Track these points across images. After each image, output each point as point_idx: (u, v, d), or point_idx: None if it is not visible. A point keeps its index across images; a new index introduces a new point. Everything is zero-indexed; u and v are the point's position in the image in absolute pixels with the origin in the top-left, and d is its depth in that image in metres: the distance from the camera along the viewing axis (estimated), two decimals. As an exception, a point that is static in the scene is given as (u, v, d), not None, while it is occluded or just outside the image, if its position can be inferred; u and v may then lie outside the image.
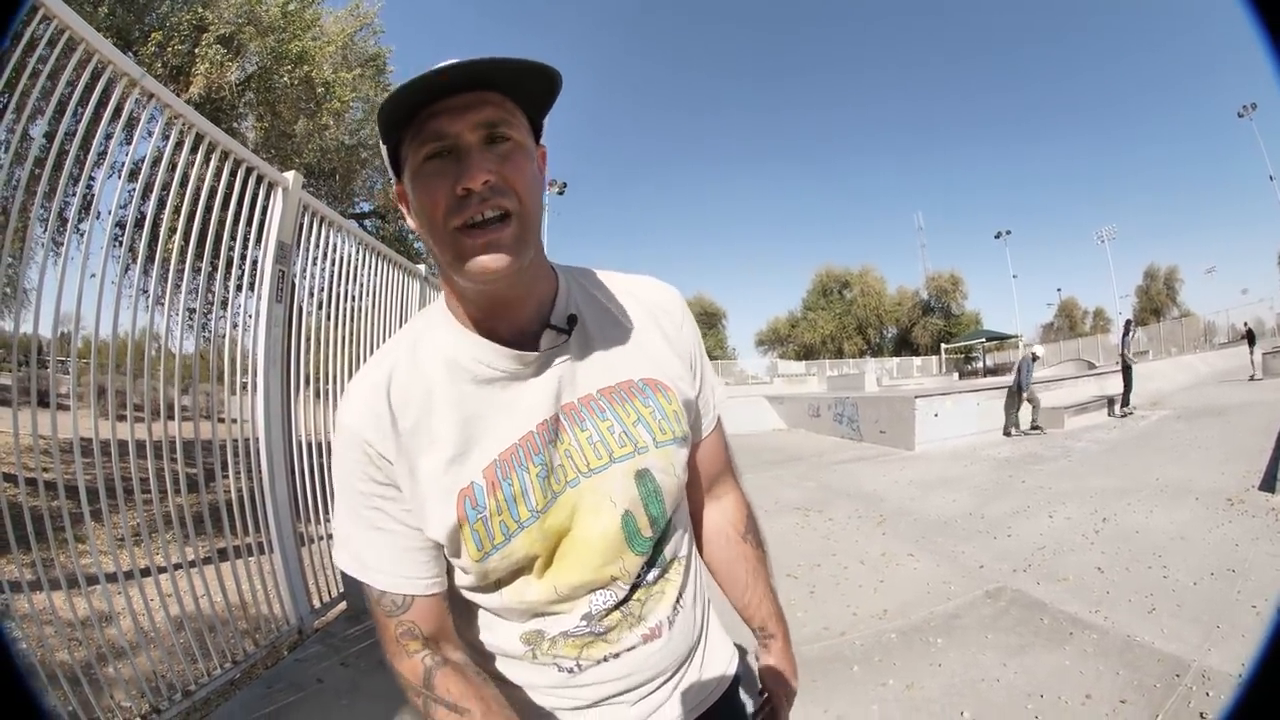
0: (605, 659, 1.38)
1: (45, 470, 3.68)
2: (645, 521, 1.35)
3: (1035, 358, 19.56)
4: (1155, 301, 66.84)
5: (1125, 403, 19.02)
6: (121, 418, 4.58)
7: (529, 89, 1.21)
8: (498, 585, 1.35)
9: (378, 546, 1.31)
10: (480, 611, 1.43)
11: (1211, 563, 5.97)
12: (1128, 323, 21.45)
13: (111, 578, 4.06)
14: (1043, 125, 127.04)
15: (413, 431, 1.28)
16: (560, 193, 45.29)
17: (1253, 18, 0.79)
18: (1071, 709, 3.97)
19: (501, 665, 1.44)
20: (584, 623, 1.35)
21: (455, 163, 1.15)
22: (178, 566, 4.55)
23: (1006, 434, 17.11)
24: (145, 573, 4.35)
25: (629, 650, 1.39)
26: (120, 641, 4.14)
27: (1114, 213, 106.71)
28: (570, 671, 1.37)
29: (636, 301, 1.50)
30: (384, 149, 1.27)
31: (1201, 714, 3.74)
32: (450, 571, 1.38)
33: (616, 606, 1.37)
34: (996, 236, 69.54)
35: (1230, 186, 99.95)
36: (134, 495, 4.18)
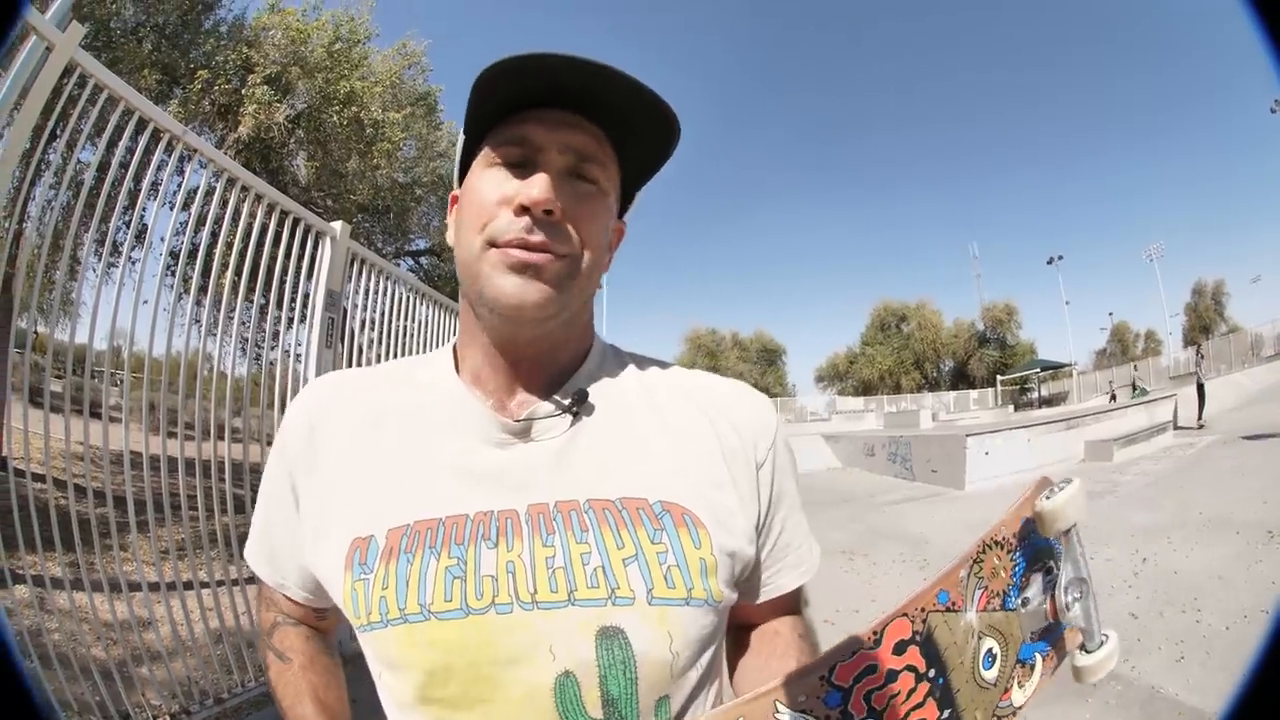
0: None
1: (95, 479, 3.75)
2: (596, 697, 0.90)
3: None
4: (1204, 318, 64.33)
5: (1200, 416, 21.04)
6: (172, 434, 4.58)
7: (639, 138, 1.03)
8: (381, 679, 1.01)
9: (273, 538, 1.14)
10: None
11: (1246, 603, 5.80)
12: (1198, 347, 27.36)
13: (154, 586, 4.14)
14: (1084, 144, 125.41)
15: (335, 454, 1.07)
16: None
17: (1253, 18, 0.76)
18: None
19: None
20: None
21: (524, 174, 0.97)
22: (220, 583, 4.59)
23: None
24: (188, 585, 4.36)
25: None
26: (157, 646, 4.20)
27: (1160, 229, 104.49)
28: None
29: (703, 405, 1.12)
30: (460, 141, 1.08)
31: None
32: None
33: None
34: (1049, 262, 68.08)
35: (1269, 187, 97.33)
36: (180, 510, 4.26)
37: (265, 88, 11.32)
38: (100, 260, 4.00)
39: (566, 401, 1.04)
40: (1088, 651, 1.03)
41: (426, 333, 7.36)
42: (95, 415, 3.82)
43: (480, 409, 1.04)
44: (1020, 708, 1.04)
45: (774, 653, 1.13)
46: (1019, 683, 1.05)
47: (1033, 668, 1.07)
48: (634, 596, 0.91)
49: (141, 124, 3.82)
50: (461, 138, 1.07)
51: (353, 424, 1.08)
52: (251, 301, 4.77)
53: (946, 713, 0.94)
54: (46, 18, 3.20)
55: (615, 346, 1.23)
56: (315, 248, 5.32)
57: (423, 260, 16.53)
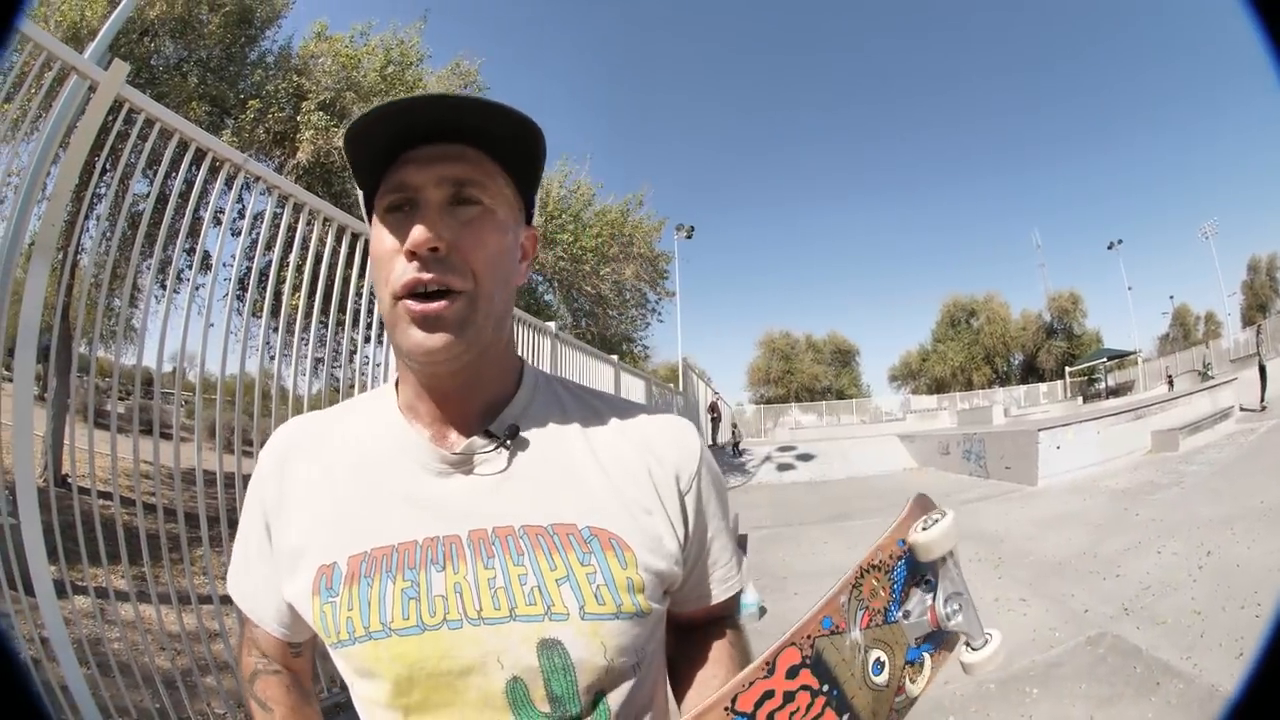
0: None
1: (148, 495, 3.90)
2: (542, 695, 1.04)
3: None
4: (1260, 296, 61.24)
5: (1262, 397, 21.24)
6: (247, 453, 4.46)
7: (511, 149, 1.10)
8: (354, 692, 1.15)
9: (252, 575, 1.25)
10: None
11: None
12: (1258, 327, 26.93)
13: (225, 600, 4.23)
14: (1136, 124, 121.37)
15: (297, 491, 1.18)
16: (688, 237, 43.73)
17: (1253, 18, 0.80)
18: None
19: None
20: None
21: (408, 217, 1.03)
22: None
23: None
24: None
25: None
26: (224, 657, 4.31)
27: (1213, 206, 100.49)
28: None
29: (633, 437, 1.22)
30: (360, 195, 1.16)
31: None
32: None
33: None
34: (1109, 247, 65.72)
35: None
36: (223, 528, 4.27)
37: (320, 113, 11.36)
38: (164, 288, 3.95)
39: (501, 435, 1.12)
40: (973, 649, 1.20)
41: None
42: (165, 436, 3.91)
43: (420, 442, 1.13)
44: (916, 697, 1.25)
45: (704, 667, 1.29)
46: (910, 679, 1.24)
47: (922, 665, 1.26)
48: (568, 613, 1.03)
49: (199, 155, 3.90)
50: (360, 194, 1.15)
51: (314, 462, 1.19)
52: (325, 322, 4.91)
53: (846, 716, 1.12)
54: (85, 57, 3.34)
55: (546, 375, 1.30)
56: None
57: None
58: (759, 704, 1.04)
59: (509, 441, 1.12)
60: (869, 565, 1.21)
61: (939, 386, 65.69)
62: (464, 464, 1.11)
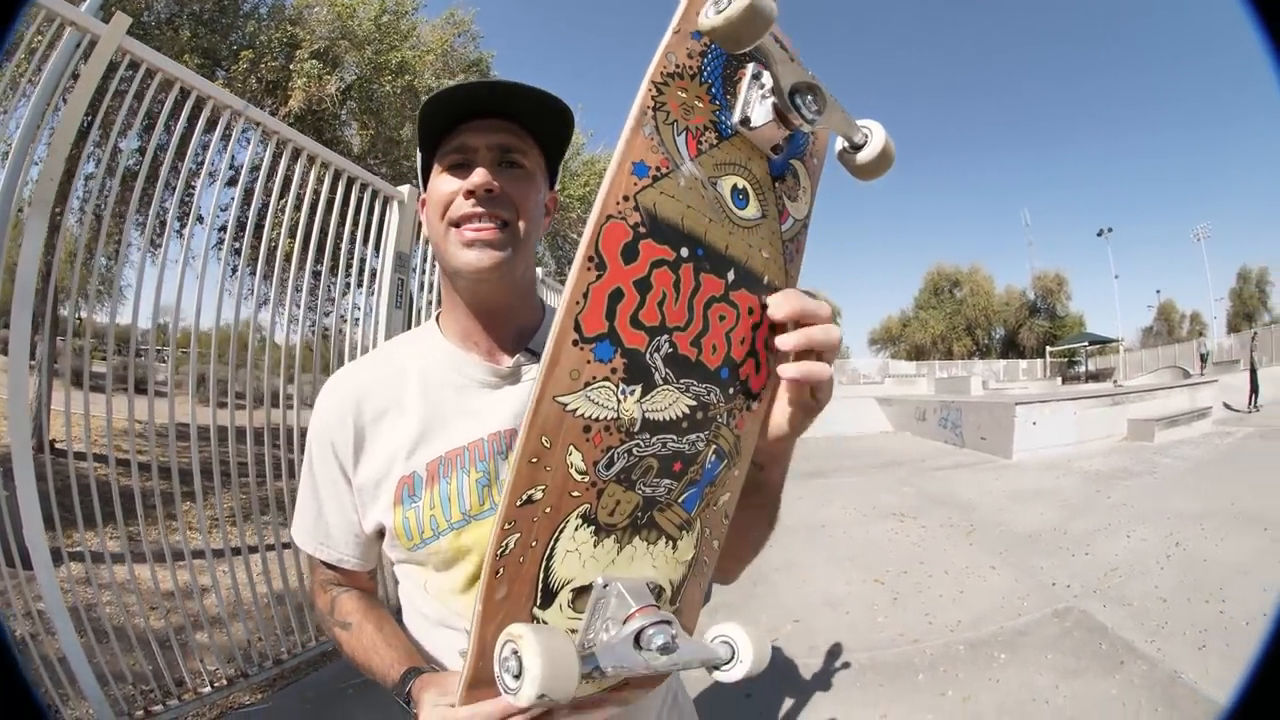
0: None
1: (140, 453, 3.77)
2: None
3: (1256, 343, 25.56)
4: (1247, 305, 62.21)
5: (1254, 397, 22.13)
6: (230, 405, 4.64)
7: (547, 128, 1.32)
8: (427, 588, 1.33)
9: (323, 522, 1.41)
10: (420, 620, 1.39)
11: (1267, 602, 5.85)
12: (1253, 336, 27.30)
13: (217, 554, 4.29)
14: (1141, 116, 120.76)
15: (372, 426, 1.34)
16: None
17: (1253, 18, 0.79)
18: None
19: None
20: None
21: (466, 171, 1.25)
22: (270, 548, 4.68)
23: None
24: (236, 551, 4.44)
25: None
26: (215, 612, 4.35)
27: (1208, 209, 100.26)
28: None
29: None
30: (419, 158, 1.38)
31: None
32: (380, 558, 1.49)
33: None
34: (1099, 234, 65.00)
35: None
36: (231, 479, 4.35)
37: (314, 62, 11.24)
38: (155, 242, 4.00)
39: (539, 350, 1.17)
40: (854, 147, 1.00)
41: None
42: (144, 392, 3.90)
43: (475, 361, 1.35)
44: (805, 218, 1.07)
45: None
46: (788, 198, 1.03)
47: (795, 176, 1.05)
48: None
49: (200, 104, 3.91)
50: (419, 155, 1.38)
51: (380, 398, 1.36)
52: (319, 270, 5.02)
53: (730, 273, 0.95)
54: (82, 9, 3.29)
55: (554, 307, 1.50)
56: (384, 212, 5.51)
57: None
58: (610, 315, 0.84)
59: None
60: (662, 75, 0.86)
61: (918, 353, 65.61)
62: (512, 375, 1.35)
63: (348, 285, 5.37)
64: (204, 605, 4.29)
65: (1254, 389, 22.29)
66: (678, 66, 0.87)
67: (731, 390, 0.99)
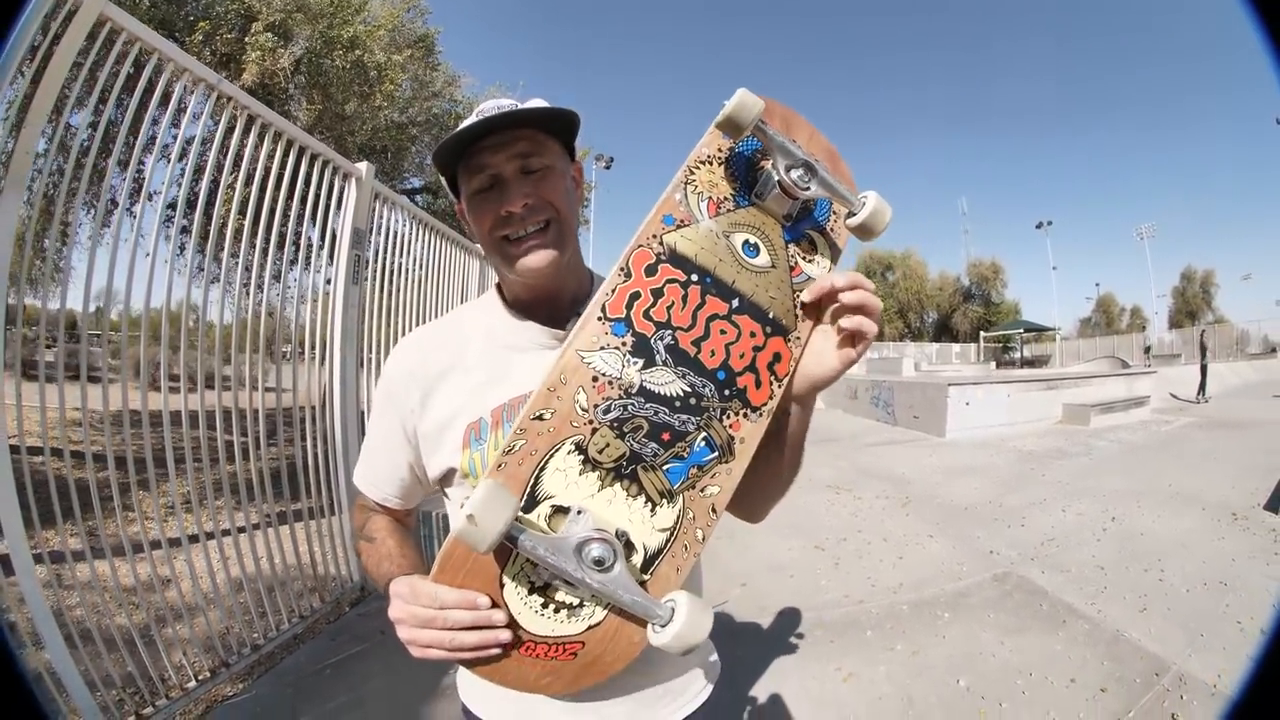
0: None
1: (94, 444, 3.61)
2: None
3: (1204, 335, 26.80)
4: (1191, 304, 64.33)
5: (1202, 390, 22.89)
6: (173, 389, 4.39)
7: (553, 124, 1.40)
8: None
9: (372, 467, 1.57)
10: None
11: (1206, 573, 5.99)
12: (1203, 332, 28.60)
13: (173, 543, 4.27)
14: (1087, 116, 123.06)
15: (439, 380, 1.45)
16: (607, 167, 43.91)
17: (1253, 18, 0.82)
18: (1056, 690, 4.15)
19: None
20: None
21: (498, 192, 1.35)
22: (241, 530, 4.62)
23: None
24: (209, 537, 4.45)
25: None
26: (181, 603, 4.29)
27: (1154, 210, 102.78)
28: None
29: None
30: (444, 180, 1.48)
31: (1174, 715, 3.84)
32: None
33: None
34: (1038, 226, 67.13)
35: (1270, 195, 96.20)
36: (185, 464, 4.13)
37: (269, 35, 11.24)
38: (105, 222, 3.87)
39: None
40: (853, 214, 1.23)
41: (445, 265, 7.71)
42: (91, 380, 3.74)
43: (534, 326, 1.45)
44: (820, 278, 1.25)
45: None
46: (805, 258, 1.28)
47: (813, 243, 1.30)
48: None
49: (161, 73, 3.81)
50: (444, 179, 1.48)
51: (447, 354, 1.47)
52: (280, 248, 4.92)
53: (735, 301, 1.21)
54: None
55: (599, 274, 1.59)
56: (342, 189, 5.52)
57: (418, 199, 16.25)
58: (628, 306, 1.16)
59: None
60: (695, 163, 1.24)
61: (849, 335, 65.63)
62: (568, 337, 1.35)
63: (308, 262, 5.38)
64: (172, 597, 4.25)
65: (1203, 381, 23.00)
66: (708, 157, 1.24)
67: (727, 392, 1.20)
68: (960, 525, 8.16)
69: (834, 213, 1.32)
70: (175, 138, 4.18)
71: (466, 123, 1.31)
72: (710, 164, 1.24)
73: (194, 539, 4.37)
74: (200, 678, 4.10)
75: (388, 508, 1.60)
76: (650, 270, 1.17)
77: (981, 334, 56.20)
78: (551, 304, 1.47)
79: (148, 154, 4.01)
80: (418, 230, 6.99)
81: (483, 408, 1.39)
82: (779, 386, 1.24)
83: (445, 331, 1.55)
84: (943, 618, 5.34)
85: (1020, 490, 9.93)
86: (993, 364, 45.78)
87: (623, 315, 1.16)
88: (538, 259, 1.35)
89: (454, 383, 1.44)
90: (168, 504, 4.27)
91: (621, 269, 1.17)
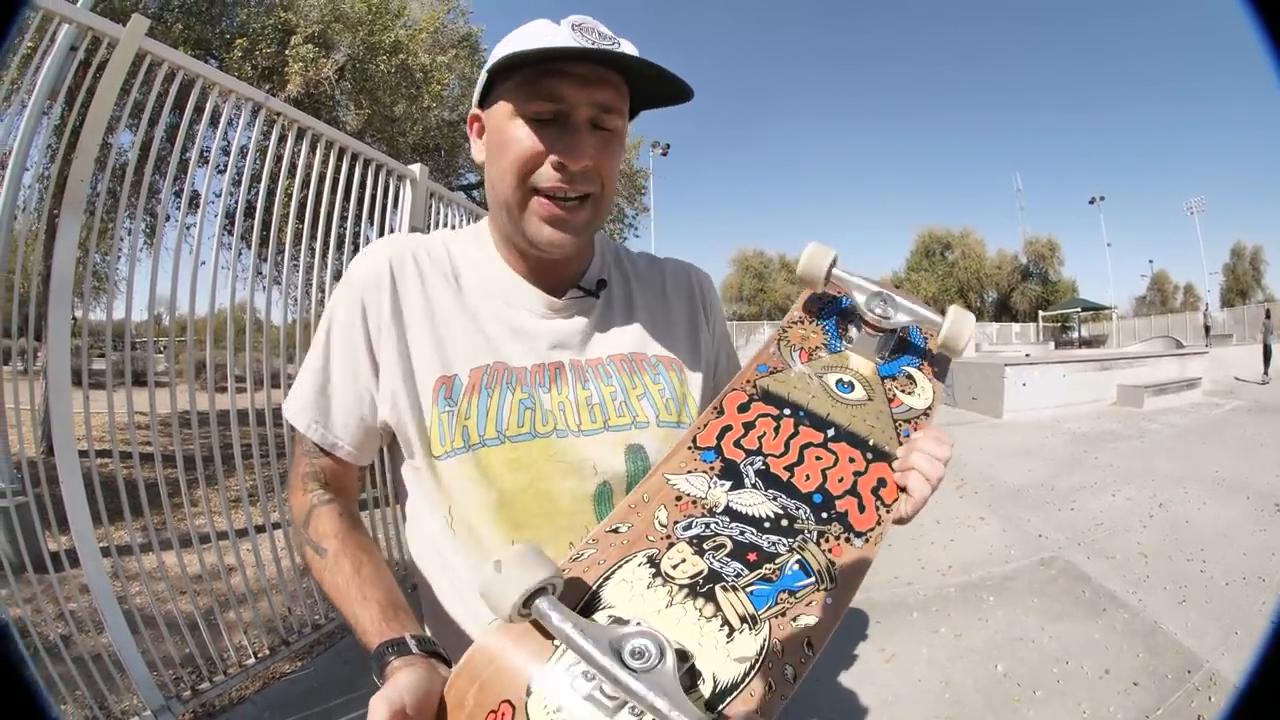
0: None
1: (146, 445, 3.76)
2: (622, 497, 1.18)
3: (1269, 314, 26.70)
4: (1242, 282, 61.57)
5: (1266, 371, 22.09)
6: (222, 389, 4.60)
7: (652, 91, 1.22)
8: (451, 514, 1.22)
9: (325, 398, 1.26)
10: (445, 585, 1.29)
11: (1246, 566, 5.93)
12: (1267, 310, 28.09)
13: (240, 533, 4.41)
14: (1138, 88, 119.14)
15: (418, 299, 1.25)
16: (664, 154, 43.29)
17: (1253, 18, 0.78)
18: (1090, 680, 4.24)
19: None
20: None
21: (561, 133, 1.13)
22: (280, 525, 4.63)
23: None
24: (275, 526, 4.56)
25: None
26: (246, 588, 4.32)
27: (1203, 184, 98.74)
28: None
29: (667, 281, 1.49)
30: (483, 74, 1.22)
31: (1200, 717, 3.84)
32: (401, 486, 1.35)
33: None
34: (1091, 202, 65.11)
35: None
36: (234, 461, 4.23)
37: (309, 46, 11.07)
38: (151, 235, 4.01)
39: (592, 288, 1.36)
40: (941, 330, 1.21)
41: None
42: (144, 384, 3.86)
43: (530, 291, 1.31)
44: (926, 408, 1.23)
45: None
46: (904, 391, 1.24)
47: (911, 378, 1.27)
48: (649, 421, 1.27)
49: (209, 94, 3.88)
50: (491, 60, 1.19)
51: (431, 279, 1.29)
52: (339, 249, 5.07)
53: (830, 431, 1.16)
54: (78, 5, 3.25)
55: (602, 237, 1.47)
56: (398, 191, 5.57)
57: (475, 194, 16.18)
58: (720, 437, 1.14)
59: (597, 294, 1.37)
60: (787, 325, 1.33)
61: (912, 315, 64.45)
62: (565, 310, 1.33)
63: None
64: (237, 583, 4.34)
65: (1267, 359, 22.58)
66: (799, 317, 1.34)
67: (825, 515, 1.08)
68: (1011, 508, 8.23)
69: (928, 350, 1.32)
70: (228, 151, 4.37)
71: (553, 39, 1.13)
72: (800, 325, 1.33)
73: (260, 529, 4.48)
74: (260, 655, 4.24)
75: (335, 458, 1.28)
76: (743, 408, 1.18)
77: (1040, 313, 55.31)
78: (552, 270, 1.33)
79: (199, 167, 4.23)
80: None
81: (460, 363, 1.22)
82: (886, 512, 1.10)
83: (434, 249, 1.34)
84: (988, 601, 5.47)
85: (1072, 473, 9.91)
86: (1051, 344, 44.97)
87: (713, 445, 1.13)
88: (563, 236, 1.20)
89: (432, 317, 1.25)
90: (234, 497, 4.40)
91: (715, 408, 1.17)
